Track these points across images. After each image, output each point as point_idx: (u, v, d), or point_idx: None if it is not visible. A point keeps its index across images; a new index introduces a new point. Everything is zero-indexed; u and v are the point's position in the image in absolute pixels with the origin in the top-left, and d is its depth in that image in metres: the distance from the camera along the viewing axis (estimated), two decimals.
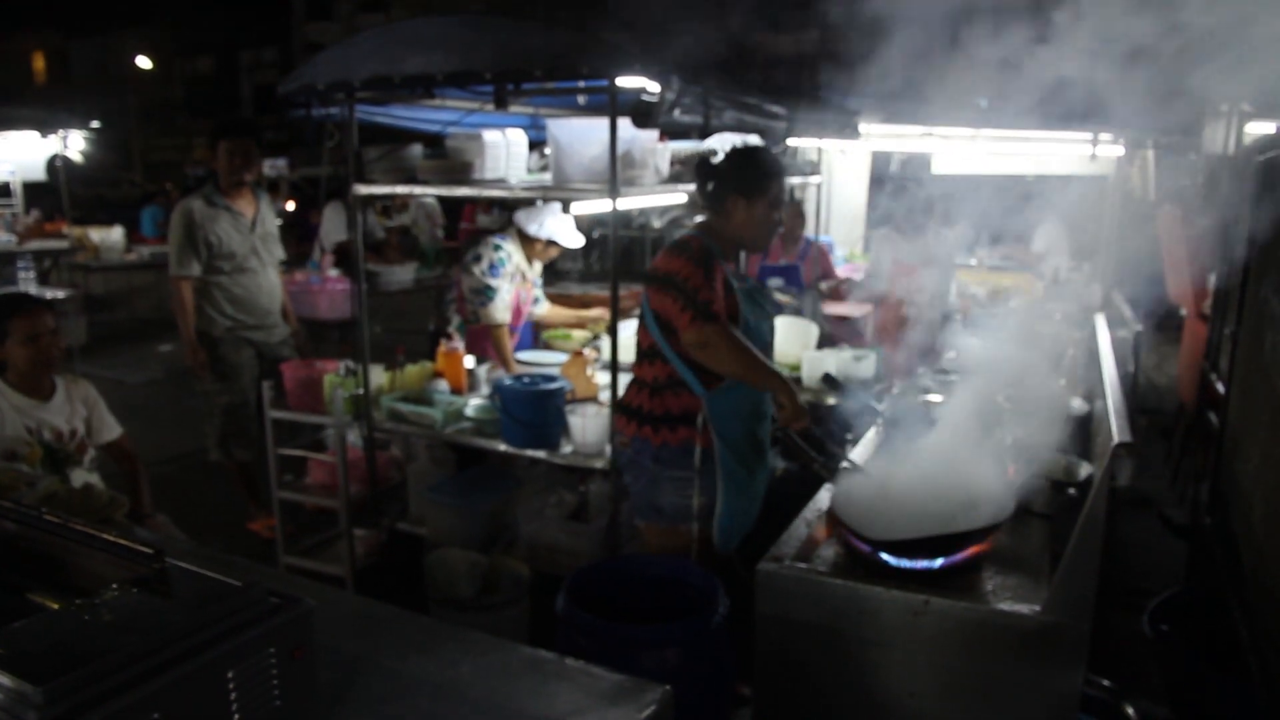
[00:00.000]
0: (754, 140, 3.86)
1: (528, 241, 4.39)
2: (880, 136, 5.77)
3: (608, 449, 3.29)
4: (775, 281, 5.58)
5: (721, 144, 3.67)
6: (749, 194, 2.85)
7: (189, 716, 1.15)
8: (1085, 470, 2.52)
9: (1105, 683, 2.58)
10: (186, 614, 1.21)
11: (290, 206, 13.13)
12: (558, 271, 7.28)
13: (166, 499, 3.42)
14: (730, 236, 2.91)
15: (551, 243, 4.38)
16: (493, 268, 4.22)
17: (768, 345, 2.99)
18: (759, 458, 2.95)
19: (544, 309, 4.77)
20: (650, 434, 2.87)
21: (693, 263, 2.73)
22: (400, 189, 3.65)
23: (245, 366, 4.57)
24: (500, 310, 4.21)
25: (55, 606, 1.30)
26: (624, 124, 3.08)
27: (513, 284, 4.34)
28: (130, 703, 1.08)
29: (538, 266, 4.62)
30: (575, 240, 4.43)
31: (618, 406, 3.07)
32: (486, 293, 4.19)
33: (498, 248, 4.28)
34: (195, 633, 1.19)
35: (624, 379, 3.12)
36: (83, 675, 1.07)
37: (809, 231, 6.20)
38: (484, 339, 4.33)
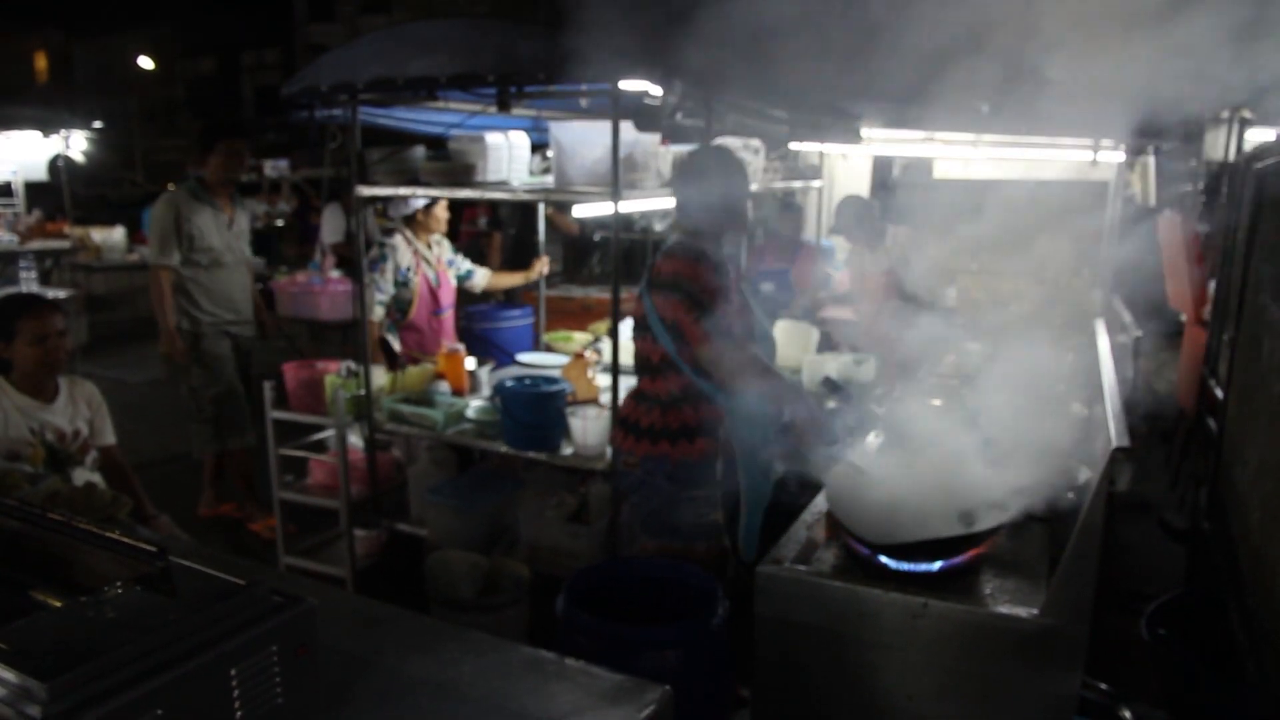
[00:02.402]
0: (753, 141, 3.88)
1: (415, 224, 4.46)
2: (882, 141, 5.78)
3: (608, 451, 3.29)
4: (767, 286, 5.58)
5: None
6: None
7: (192, 714, 1.15)
8: (1084, 474, 2.52)
9: (1103, 686, 2.58)
10: (190, 612, 1.22)
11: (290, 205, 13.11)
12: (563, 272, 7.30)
13: (166, 499, 3.42)
14: (734, 235, 2.92)
15: (426, 209, 4.44)
16: (371, 265, 4.34)
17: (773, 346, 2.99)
18: (771, 465, 2.90)
19: (483, 278, 4.87)
20: (668, 449, 2.78)
21: (701, 265, 2.67)
22: (403, 191, 3.66)
23: (227, 358, 4.68)
24: (370, 306, 4.28)
25: (58, 604, 1.31)
26: (626, 127, 3.10)
27: (406, 274, 4.41)
28: (134, 699, 1.08)
29: (444, 244, 4.67)
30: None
31: (619, 423, 3.00)
32: None
33: (381, 245, 4.41)
34: (198, 631, 1.19)
35: (624, 391, 3.10)
36: (87, 672, 1.07)
37: (811, 235, 6.22)
38: (410, 332, 4.51)
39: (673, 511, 2.82)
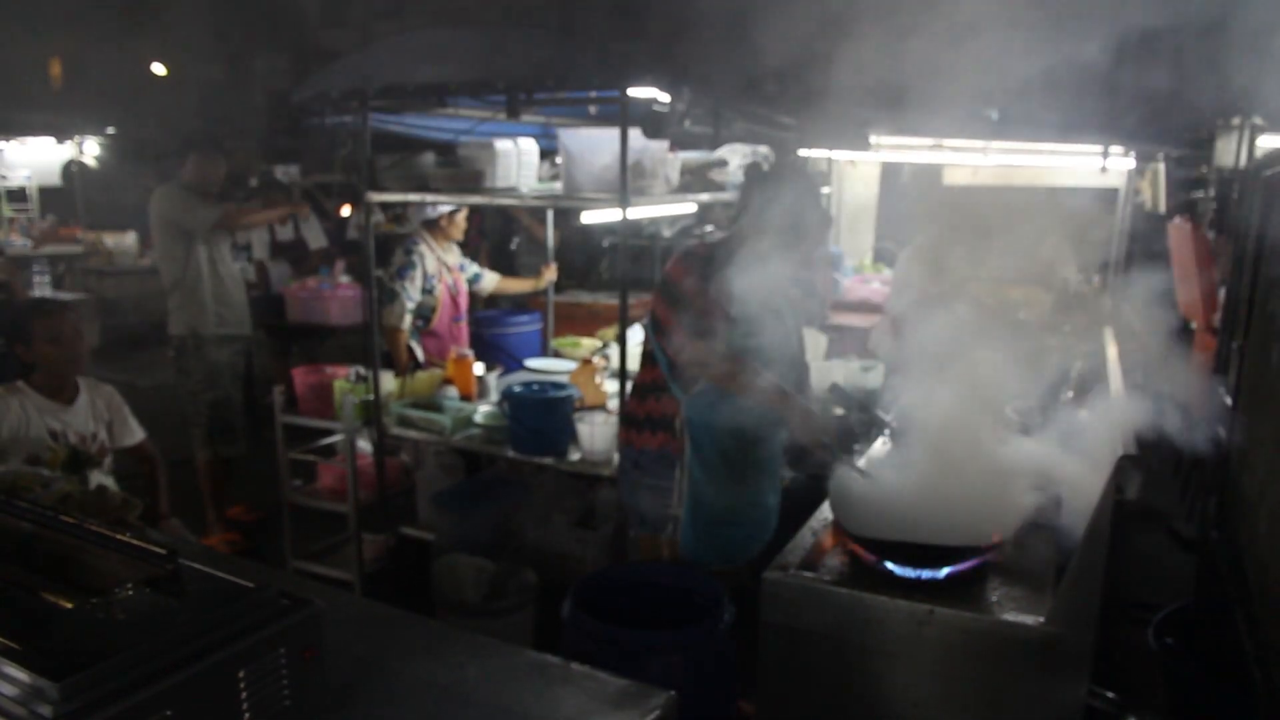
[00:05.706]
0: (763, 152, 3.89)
1: (436, 230, 4.46)
2: (890, 147, 5.77)
3: (615, 457, 3.30)
4: (794, 293, 5.56)
5: (731, 154, 3.69)
6: None
7: (201, 715, 1.17)
8: (1092, 482, 2.51)
9: (1110, 695, 2.57)
10: (199, 614, 1.24)
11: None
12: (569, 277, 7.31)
13: (174, 502, 3.44)
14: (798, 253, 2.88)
15: (450, 216, 4.47)
16: (400, 271, 4.31)
17: (788, 359, 2.94)
18: (734, 476, 2.78)
19: (491, 281, 4.88)
20: (634, 438, 2.86)
21: (687, 267, 2.70)
22: (412, 197, 3.68)
23: (227, 364, 4.73)
24: (395, 315, 4.26)
25: (69, 605, 1.32)
26: (635, 134, 3.11)
27: (432, 282, 4.42)
28: (143, 700, 1.10)
29: (454, 249, 4.68)
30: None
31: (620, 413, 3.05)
32: (387, 295, 4.27)
33: (409, 251, 4.38)
34: (207, 632, 1.21)
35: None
36: (98, 672, 1.09)
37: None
38: (431, 339, 4.51)
39: (637, 498, 2.88)
